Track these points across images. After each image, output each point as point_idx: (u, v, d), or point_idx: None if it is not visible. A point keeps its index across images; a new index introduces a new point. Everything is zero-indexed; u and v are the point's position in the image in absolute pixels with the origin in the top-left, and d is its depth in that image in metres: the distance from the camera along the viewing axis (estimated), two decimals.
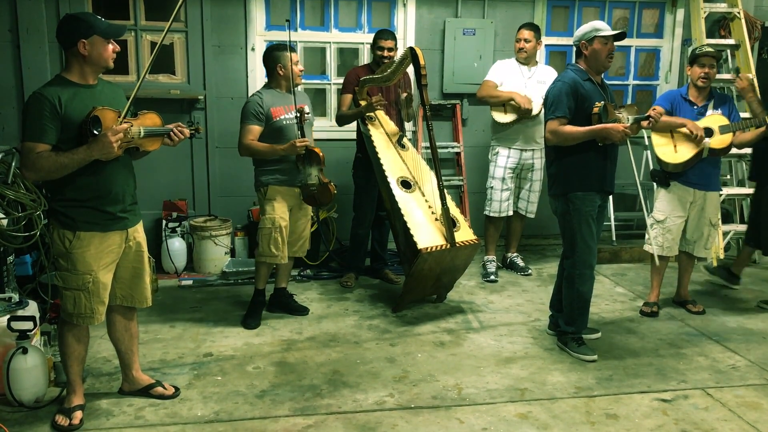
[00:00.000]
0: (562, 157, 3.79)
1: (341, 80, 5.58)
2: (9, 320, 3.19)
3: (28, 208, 3.76)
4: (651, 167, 5.93)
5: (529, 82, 5.12)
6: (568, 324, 3.91)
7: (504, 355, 3.86)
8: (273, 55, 4.13)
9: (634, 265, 5.73)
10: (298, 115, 4.04)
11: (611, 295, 4.97)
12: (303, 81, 5.75)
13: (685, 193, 4.40)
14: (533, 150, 5.20)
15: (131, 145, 2.93)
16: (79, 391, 3.10)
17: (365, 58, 5.83)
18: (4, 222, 3.68)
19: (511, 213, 5.33)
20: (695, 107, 4.37)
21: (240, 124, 4.09)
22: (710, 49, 4.34)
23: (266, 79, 4.27)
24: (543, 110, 5.06)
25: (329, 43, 5.80)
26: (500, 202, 5.25)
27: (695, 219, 4.46)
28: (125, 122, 2.85)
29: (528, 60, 5.15)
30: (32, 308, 3.43)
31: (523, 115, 5.02)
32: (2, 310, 3.29)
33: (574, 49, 3.85)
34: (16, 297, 3.48)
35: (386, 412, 3.20)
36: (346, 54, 5.94)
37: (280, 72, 4.12)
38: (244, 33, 5.56)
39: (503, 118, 5.12)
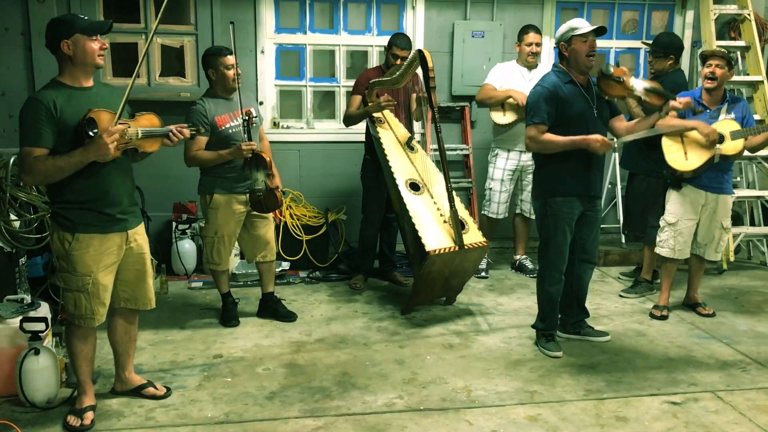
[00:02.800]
0: (546, 164, 3.82)
1: (350, 83, 5.61)
2: (21, 321, 3.22)
3: (40, 210, 3.79)
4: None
5: (530, 85, 5.12)
6: (541, 320, 4.00)
7: (513, 358, 3.85)
8: (205, 60, 4.05)
9: None
10: (246, 118, 3.92)
11: (621, 297, 4.95)
12: (312, 84, 5.83)
13: (697, 195, 4.38)
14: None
15: (129, 146, 2.93)
16: (90, 391, 3.12)
17: (374, 60, 5.84)
18: (17, 224, 3.71)
19: (506, 215, 5.35)
20: (708, 110, 4.33)
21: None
22: (717, 49, 4.32)
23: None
24: None
25: (338, 45, 5.81)
26: (498, 204, 5.30)
27: (707, 222, 4.44)
28: (121, 123, 2.85)
29: (534, 63, 5.17)
30: (44, 309, 3.45)
31: (524, 113, 5.03)
32: (15, 311, 3.32)
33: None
34: (28, 298, 3.50)
35: (395, 413, 3.20)
36: (356, 56, 5.96)
37: (212, 77, 4.04)
38: (253, 36, 5.58)
39: (502, 119, 5.15)
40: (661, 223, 4.53)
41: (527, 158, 5.23)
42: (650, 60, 4.90)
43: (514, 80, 5.15)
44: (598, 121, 3.75)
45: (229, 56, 3.98)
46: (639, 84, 3.72)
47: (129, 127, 2.90)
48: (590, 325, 4.17)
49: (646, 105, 3.77)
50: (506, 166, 5.24)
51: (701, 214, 4.42)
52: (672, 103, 3.68)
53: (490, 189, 5.32)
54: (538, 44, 5.12)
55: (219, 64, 3.99)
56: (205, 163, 4.01)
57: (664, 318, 4.48)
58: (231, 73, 3.99)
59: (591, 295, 4.84)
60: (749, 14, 5.95)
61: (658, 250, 4.56)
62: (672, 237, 4.45)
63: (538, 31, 5.15)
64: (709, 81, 4.27)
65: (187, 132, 3.14)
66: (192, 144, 3.92)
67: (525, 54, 5.15)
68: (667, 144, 4.38)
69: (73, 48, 2.81)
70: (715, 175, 4.33)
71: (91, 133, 2.74)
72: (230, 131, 4.03)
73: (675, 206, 4.45)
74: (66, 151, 2.77)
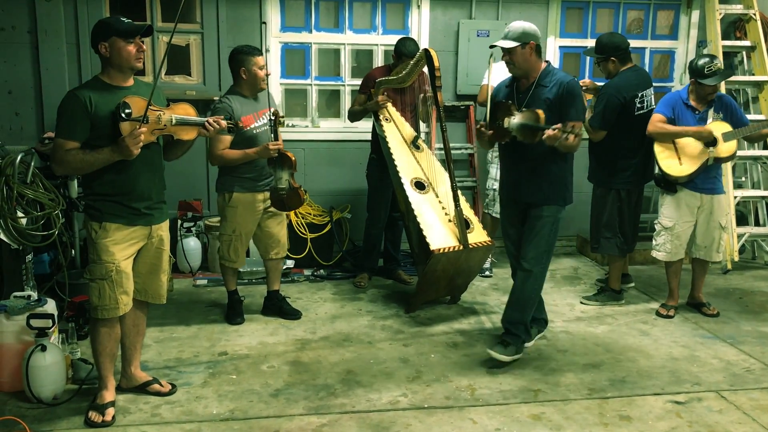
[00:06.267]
0: None
1: (355, 81, 5.63)
2: (28, 318, 3.25)
3: (47, 208, 3.81)
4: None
5: None
6: None
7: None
8: (237, 58, 4.05)
9: (647, 267, 5.71)
10: (273, 118, 3.96)
11: (624, 296, 4.94)
12: (317, 82, 5.84)
13: (692, 198, 4.37)
14: None
15: (164, 133, 3.04)
16: (111, 387, 3.15)
17: (380, 59, 5.85)
18: (24, 221, 3.72)
19: None
20: (697, 113, 4.32)
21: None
22: (719, 69, 4.23)
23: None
24: None
25: (344, 44, 5.82)
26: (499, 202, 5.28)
27: (704, 224, 4.42)
28: (155, 110, 2.97)
29: None
30: (50, 306, 3.47)
31: None
32: (21, 308, 3.34)
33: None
34: (34, 295, 3.52)
35: (400, 411, 3.22)
36: (361, 55, 5.96)
37: (243, 76, 4.03)
38: (259, 35, 5.59)
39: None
40: (657, 227, 4.52)
41: None
42: (598, 65, 4.73)
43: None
44: None
45: (260, 56, 4.03)
46: (515, 120, 3.49)
47: (164, 114, 3.01)
48: (542, 334, 4.11)
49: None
50: None
51: (698, 216, 4.41)
52: (547, 132, 3.28)
53: (494, 189, 5.31)
54: None
55: (252, 64, 4.00)
56: (231, 161, 4.01)
57: (670, 317, 4.48)
58: (262, 73, 4.02)
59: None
60: (755, 14, 5.94)
61: (655, 254, 4.55)
62: (669, 241, 4.44)
63: None
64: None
65: (224, 123, 3.28)
66: (218, 143, 3.94)
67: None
68: (659, 150, 4.36)
69: (109, 50, 2.91)
70: (707, 176, 4.32)
71: (123, 115, 2.84)
72: (254, 131, 4.04)
73: (671, 210, 4.43)
74: (99, 145, 2.88)
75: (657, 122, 4.35)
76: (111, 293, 3.00)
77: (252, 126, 4.04)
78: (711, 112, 4.31)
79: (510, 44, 3.55)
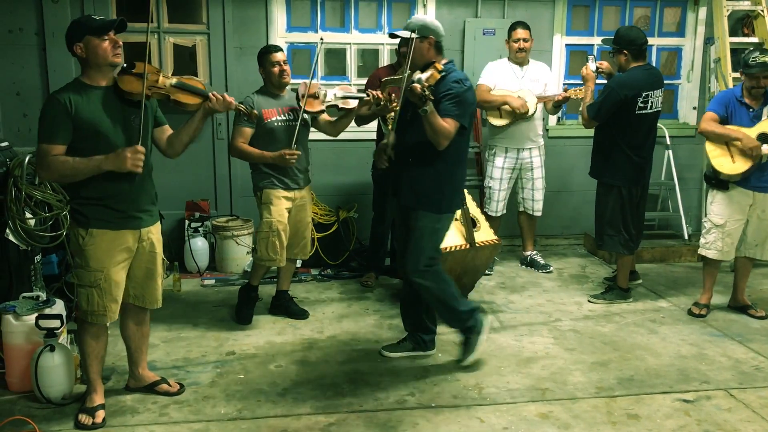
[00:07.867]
0: None
1: (361, 81, 5.62)
2: (37, 318, 3.26)
3: (55, 209, 3.83)
4: (673, 167, 5.89)
5: (522, 82, 5.18)
6: None
7: (525, 355, 3.86)
8: (258, 59, 4.20)
9: (655, 265, 5.69)
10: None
11: (633, 294, 4.92)
12: (323, 81, 5.83)
13: (744, 196, 4.30)
14: (530, 149, 5.27)
15: (162, 93, 3.02)
16: (100, 390, 3.14)
17: (386, 58, 5.84)
18: (32, 222, 3.74)
19: (504, 212, 5.36)
20: (751, 110, 4.26)
21: (233, 125, 4.14)
22: (763, 61, 4.12)
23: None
24: (537, 109, 5.06)
25: (349, 44, 5.82)
26: (498, 202, 5.32)
27: (756, 222, 4.36)
28: (156, 71, 3.00)
29: (524, 59, 5.17)
30: (59, 307, 3.49)
31: (519, 117, 5.08)
32: (30, 308, 3.35)
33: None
34: (43, 296, 3.53)
35: (407, 410, 3.22)
36: (367, 55, 5.96)
37: (262, 74, 4.20)
38: (265, 35, 5.60)
39: (498, 121, 5.19)
40: (707, 224, 4.46)
41: (526, 156, 5.26)
42: (611, 56, 4.70)
43: (507, 78, 5.17)
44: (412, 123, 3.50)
45: (276, 53, 4.14)
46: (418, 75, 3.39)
47: (165, 77, 3.02)
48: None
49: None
50: (505, 165, 5.26)
51: (750, 215, 4.35)
52: (415, 84, 3.25)
53: (490, 188, 5.33)
54: (525, 40, 5.12)
55: (266, 61, 4.14)
56: (246, 156, 4.12)
57: (701, 316, 4.44)
58: (276, 69, 4.12)
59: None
60: (762, 10, 5.90)
61: (704, 252, 4.48)
62: (720, 239, 4.37)
63: (527, 27, 5.16)
64: (756, 90, 4.22)
65: (231, 99, 3.22)
66: (237, 135, 4.08)
67: (513, 50, 5.16)
68: (710, 149, 4.31)
69: (85, 50, 2.87)
70: (761, 174, 4.26)
71: (126, 66, 2.90)
72: (275, 124, 4.13)
73: (721, 207, 4.36)
74: (82, 147, 2.84)
75: (709, 120, 4.31)
76: (99, 300, 2.97)
77: (273, 119, 4.13)
78: (766, 110, 4.26)
79: (407, 34, 3.46)
